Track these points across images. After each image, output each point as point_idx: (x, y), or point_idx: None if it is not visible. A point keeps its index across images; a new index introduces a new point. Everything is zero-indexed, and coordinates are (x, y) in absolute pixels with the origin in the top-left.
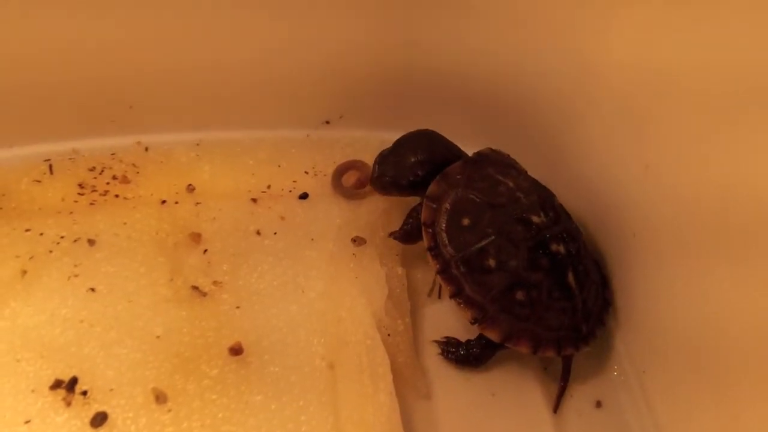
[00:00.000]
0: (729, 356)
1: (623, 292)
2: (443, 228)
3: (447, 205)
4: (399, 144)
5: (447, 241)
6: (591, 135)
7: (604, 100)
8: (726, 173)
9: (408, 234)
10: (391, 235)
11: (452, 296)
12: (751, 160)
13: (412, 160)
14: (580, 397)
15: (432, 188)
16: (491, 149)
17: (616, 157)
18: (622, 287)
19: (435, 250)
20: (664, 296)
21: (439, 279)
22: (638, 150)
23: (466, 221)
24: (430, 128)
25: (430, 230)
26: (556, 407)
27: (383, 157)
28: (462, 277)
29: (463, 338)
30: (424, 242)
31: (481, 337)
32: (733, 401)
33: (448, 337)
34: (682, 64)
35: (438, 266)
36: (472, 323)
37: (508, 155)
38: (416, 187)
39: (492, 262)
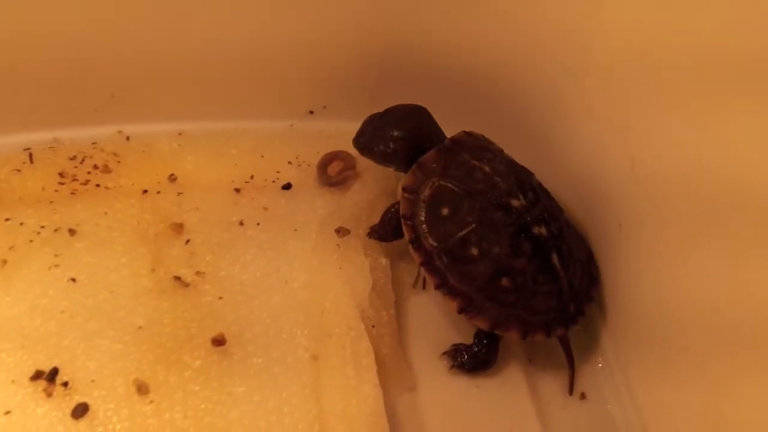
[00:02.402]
0: (713, 347)
1: (608, 285)
2: (423, 219)
3: (425, 196)
4: (388, 112)
5: (428, 233)
6: (579, 126)
7: (594, 91)
8: (714, 166)
9: (385, 234)
10: (369, 234)
11: (437, 288)
12: (740, 153)
13: (391, 133)
14: (564, 388)
15: (408, 179)
16: (465, 132)
17: (604, 149)
18: (607, 279)
19: (416, 242)
20: (649, 288)
21: (422, 271)
22: (626, 142)
23: (445, 211)
24: None
25: (410, 222)
26: (571, 389)
27: (371, 118)
28: (445, 268)
29: (447, 330)
30: (405, 235)
31: (479, 336)
32: (717, 392)
33: (455, 345)
34: (676, 55)
35: (421, 258)
36: (459, 313)
37: (483, 136)
38: (387, 159)
39: (475, 251)
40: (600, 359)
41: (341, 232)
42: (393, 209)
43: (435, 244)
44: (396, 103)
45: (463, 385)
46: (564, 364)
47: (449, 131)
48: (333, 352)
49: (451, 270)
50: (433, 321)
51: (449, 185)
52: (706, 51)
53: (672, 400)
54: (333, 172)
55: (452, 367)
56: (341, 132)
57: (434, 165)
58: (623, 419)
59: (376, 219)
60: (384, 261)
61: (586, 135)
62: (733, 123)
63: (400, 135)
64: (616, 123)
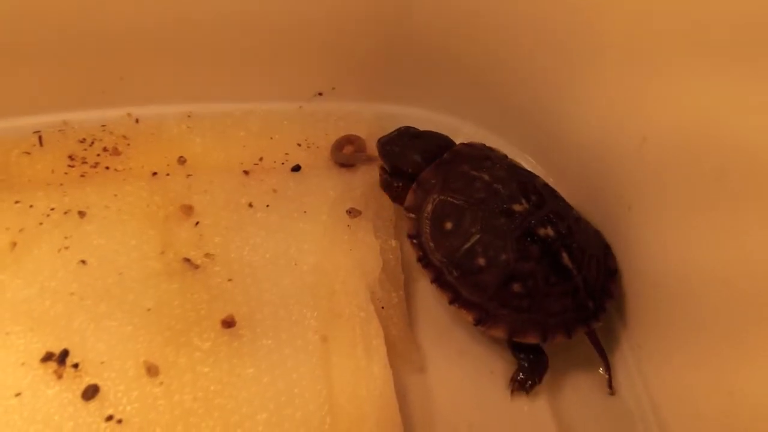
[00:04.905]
0: (724, 326)
1: (620, 267)
2: (428, 236)
3: (427, 213)
4: (424, 137)
5: (435, 249)
6: (588, 108)
7: (603, 71)
8: (724, 142)
9: (390, 184)
10: (382, 176)
11: (450, 303)
12: (750, 125)
13: (417, 159)
14: (575, 372)
15: (409, 199)
16: (464, 144)
17: (614, 129)
18: (618, 262)
19: (425, 259)
20: (660, 269)
21: (434, 288)
22: (636, 122)
23: (448, 225)
24: (429, 106)
25: (416, 241)
26: (610, 385)
27: (406, 133)
28: (456, 281)
29: (456, 312)
30: (413, 253)
31: (516, 354)
32: (727, 374)
33: (516, 373)
34: (683, 30)
35: (431, 275)
36: (475, 325)
37: (483, 145)
38: (402, 176)
39: (482, 261)
40: (612, 342)
41: (352, 213)
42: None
43: (443, 259)
44: (401, 85)
45: (476, 369)
46: (574, 345)
47: (456, 115)
48: (343, 334)
49: (461, 283)
50: (442, 303)
51: (449, 199)
52: (714, 30)
53: (684, 383)
54: (347, 153)
55: (514, 391)
56: (350, 114)
57: (433, 180)
58: (635, 401)
59: (386, 199)
60: (394, 243)
61: (594, 116)
62: (745, 101)
63: (421, 163)
64: (625, 103)
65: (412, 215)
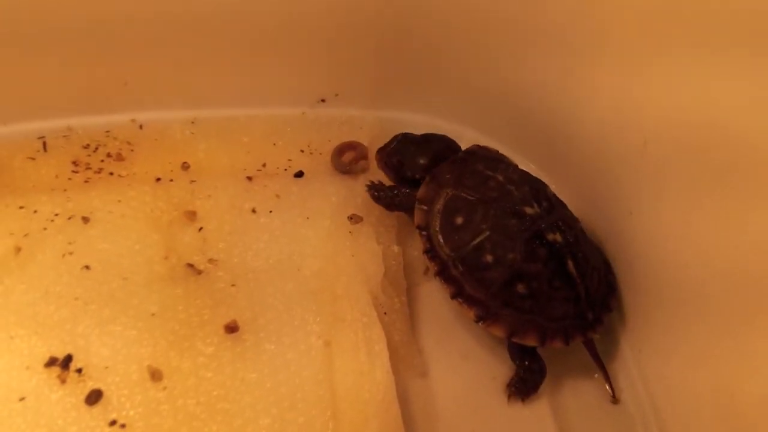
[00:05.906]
0: (726, 331)
1: (620, 273)
2: (437, 229)
3: (439, 206)
4: (427, 140)
5: (442, 242)
6: (589, 112)
7: (602, 74)
8: (725, 142)
9: (380, 198)
10: (369, 188)
11: (453, 297)
12: (753, 123)
13: (423, 162)
14: (575, 377)
15: (422, 191)
16: (478, 146)
17: (615, 133)
18: (619, 268)
19: (431, 252)
20: (660, 273)
21: (438, 281)
22: (637, 125)
23: (459, 220)
24: (431, 112)
25: (425, 233)
26: (613, 393)
27: (406, 140)
28: (461, 276)
29: (457, 316)
30: (421, 245)
31: (514, 361)
32: (728, 376)
33: (513, 380)
34: (683, 30)
35: (436, 268)
36: (476, 321)
37: (497, 151)
38: (408, 183)
39: (489, 258)
40: (612, 345)
41: (354, 219)
42: (405, 191)
43: (450, 252)
44: (405, 92)
45: (478, 375)
46: (574, 350)
47: (458, 121)
48: (345, 339)
49: (466, 278)
50: (444, 308)
51: (463, 194)
52: (714, 29)
53: (684, 383)
54: (347, 160)
55: (512, 396)
56: (353, 120)
57: (447, 175)
58: (636, 405)
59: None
60: (396, 248)
61: (595, 122)
62: (741, 91)
63: (427, 165)
64: (626, 106)
65: (424, 207)
